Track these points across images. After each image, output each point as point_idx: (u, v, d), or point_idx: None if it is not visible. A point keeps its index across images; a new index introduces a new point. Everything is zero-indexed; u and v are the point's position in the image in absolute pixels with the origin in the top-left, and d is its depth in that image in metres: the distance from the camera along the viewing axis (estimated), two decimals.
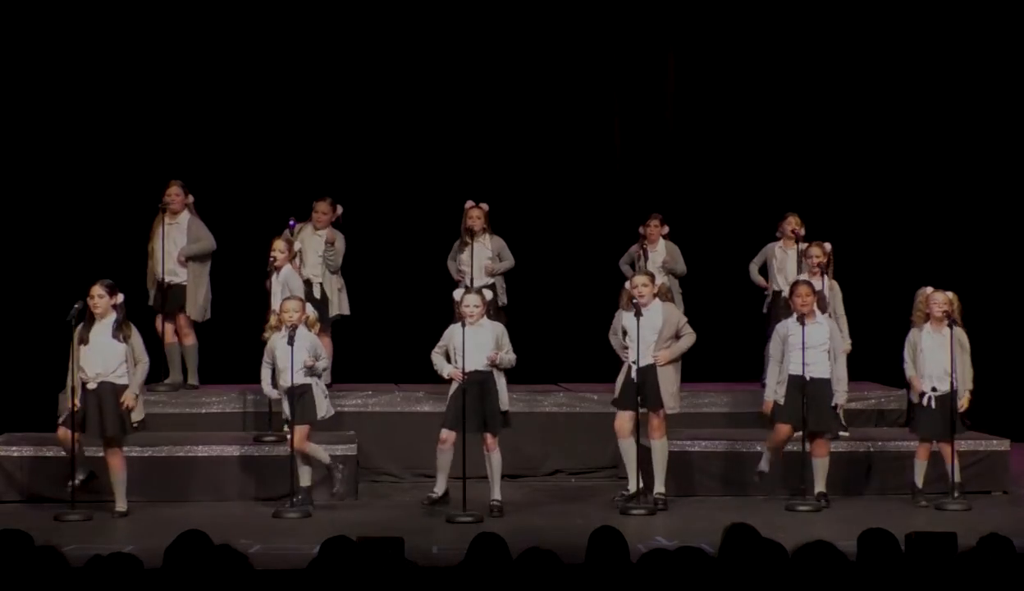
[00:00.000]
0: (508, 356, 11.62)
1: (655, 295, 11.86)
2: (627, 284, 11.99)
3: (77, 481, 11.39)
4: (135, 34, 14.84)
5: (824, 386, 11.86)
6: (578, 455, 13.25)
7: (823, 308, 12.08)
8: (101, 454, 11.52)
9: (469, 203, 13.49)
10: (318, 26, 15.17)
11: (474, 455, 11.55)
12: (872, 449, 12.79)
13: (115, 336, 11.29)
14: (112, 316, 11.30)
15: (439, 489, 11.66)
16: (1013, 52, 15.52)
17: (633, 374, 11.75)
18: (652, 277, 12.16)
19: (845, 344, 12.36)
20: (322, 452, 11.76)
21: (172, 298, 13.31)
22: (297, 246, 12.82)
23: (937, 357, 11.95)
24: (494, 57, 15.42)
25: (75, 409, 11.23)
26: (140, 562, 5.93)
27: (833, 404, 11.91)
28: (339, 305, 13.35)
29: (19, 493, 12.06)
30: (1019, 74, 15.56)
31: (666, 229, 13.92)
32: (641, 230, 13.91)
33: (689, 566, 5.86)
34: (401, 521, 11.31)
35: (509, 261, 13.50)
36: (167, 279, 13.27)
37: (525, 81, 15.45)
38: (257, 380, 12.70)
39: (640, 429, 11.75)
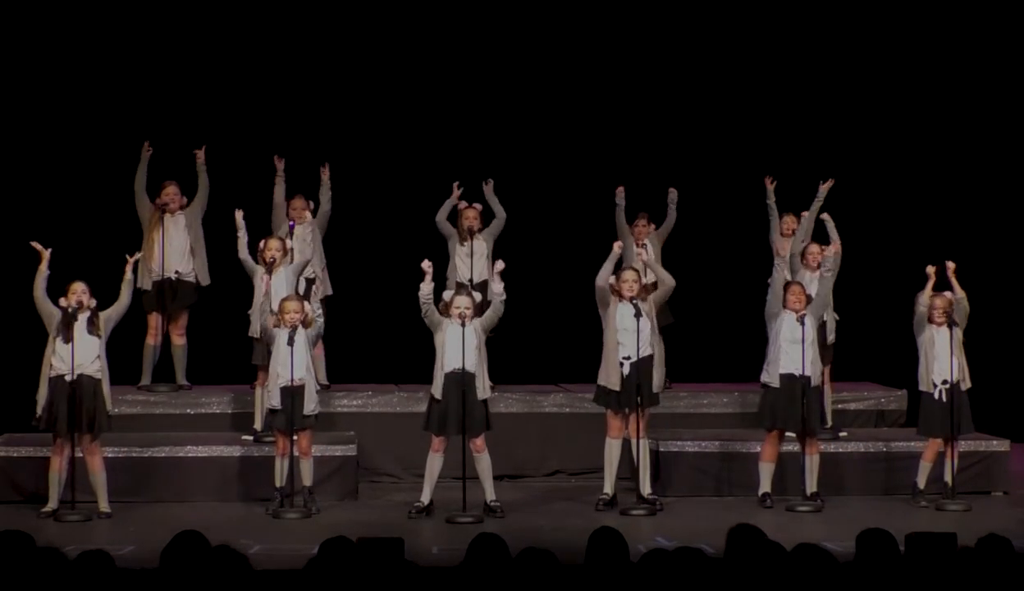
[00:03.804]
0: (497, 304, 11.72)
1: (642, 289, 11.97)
2: (613, 279, 12.04)
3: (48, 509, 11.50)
4: (127, 31, 14.84)
5: (811, 382, 11.92)
6: (578, 455, 13.24)
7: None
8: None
9: (463, 204, 13.51)
10: (311, 17, 15.14)
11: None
12: (872, 449, 12.80)
13: (89, 332, 11.44)
14: (88, 313, 11.47)
15: (425, 498, 11.65)
16: (1013, 51, 15.52)
17: (626, 370, 11.78)
18: (639, 273, 12.23)
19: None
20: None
21: (181, 295, 13.33)
22: (290, 245, 12.80)
23: (942, 357, 11.98)
24: (495, 49, 15.39)
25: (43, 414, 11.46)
26: (111, 559, 5.95)
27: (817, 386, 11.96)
28: (325, 287, 13.36)
29: (19, 493, 12.07)
30: (1019, 73, 15.56)
31: (652, 227, 13.94)
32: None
33: (689, 566, 5.86)
34: (401, 521, 11.33)
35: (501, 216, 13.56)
36: (170, 275, 13.27)
37: (524, 77, 15.42)
38: (250, 381, 12.72)
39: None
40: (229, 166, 14.45)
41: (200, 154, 13.47)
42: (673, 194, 13.97)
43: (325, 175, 13.49)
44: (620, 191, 13.82)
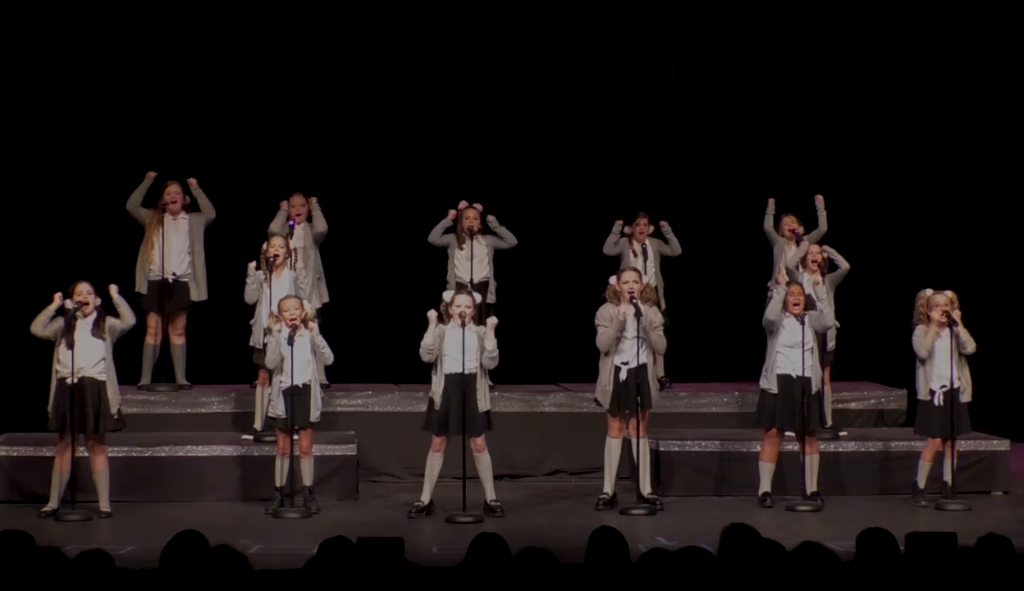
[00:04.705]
0: (492, 353, 11.63)
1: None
2: (612, 279, 12.02)
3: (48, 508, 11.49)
4: (126, 31, 14.83)
5: (810, 384, 11.91)
6: (578, 455, 13.24)
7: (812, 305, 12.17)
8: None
9: (463, 203, 13.50)
10: (311, 19, 15.13)
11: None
12: (872, 449, 12.80)
13: (94, 334, 11.39)
14: (94, 315, 11.42)
15: (425, 498, 11.65)
16: (1013, 52, 15.51)
17: (623, 375, 11.77)
18: (639, 272, 12.22)
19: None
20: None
21: (178, 296, 13.32)
22: (293, 245, 12.79)
23: (941, 362, 11.97)
24: (492, 52, 15.38)
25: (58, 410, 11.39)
26: (111, 559, 5.95)
27: (815, 391, 11.95)
28: (320, 295, 13.37)
29: (19, 493, 12.06)
30: (1019, 74, 15.55)
31: (652, 228, 13.94)
32: (628, 230, 13.89)
33: (689, 566, 5.87)
34: (401, 521, 11.34)
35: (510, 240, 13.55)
36: (170, 277, 13.27)
37: (523, 78, 15.41)
38: (250, 380, 12.73)
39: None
40: (227, 166, 14.48)
41: (193, 181, 13.42)
42: (665, 226, 13.96)
43: (312, 202, 13.43)
44: (618, 224, 13.83)
